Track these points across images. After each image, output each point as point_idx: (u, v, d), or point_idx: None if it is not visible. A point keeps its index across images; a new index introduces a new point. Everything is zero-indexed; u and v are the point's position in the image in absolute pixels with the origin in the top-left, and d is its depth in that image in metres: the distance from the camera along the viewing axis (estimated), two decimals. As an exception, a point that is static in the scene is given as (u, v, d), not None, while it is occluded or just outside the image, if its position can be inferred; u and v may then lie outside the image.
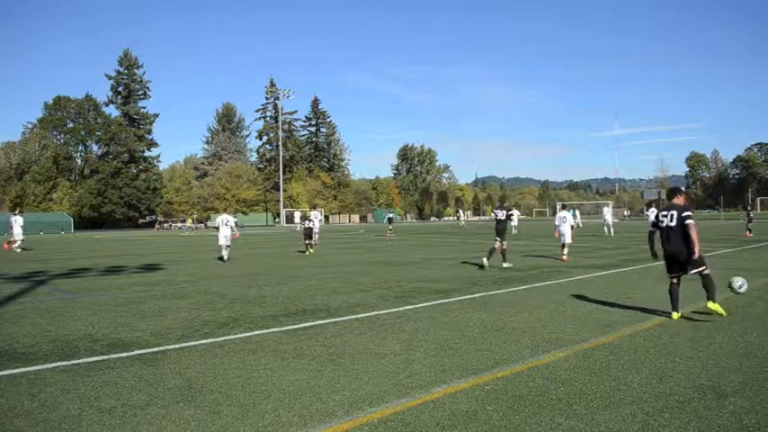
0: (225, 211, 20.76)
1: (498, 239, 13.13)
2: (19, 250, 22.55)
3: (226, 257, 16.22)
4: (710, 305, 6.56)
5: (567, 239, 14.67)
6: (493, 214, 14.71)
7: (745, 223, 27.32)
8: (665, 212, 6.85)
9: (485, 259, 12.84)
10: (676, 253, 6.66)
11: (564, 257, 14.37)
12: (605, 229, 29.62)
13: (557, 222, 15.32)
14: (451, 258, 15.80)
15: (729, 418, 3.48)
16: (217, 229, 16.89)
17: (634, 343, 5.42)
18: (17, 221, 23.35)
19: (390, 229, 34.39)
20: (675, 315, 6.64)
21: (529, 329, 6.08)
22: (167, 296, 9.09)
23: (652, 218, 6.86)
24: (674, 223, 6.66)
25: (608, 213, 31.68)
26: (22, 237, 23.36)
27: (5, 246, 23.52)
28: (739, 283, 7.02)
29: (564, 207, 16.99)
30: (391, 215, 37.88)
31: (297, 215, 42.23)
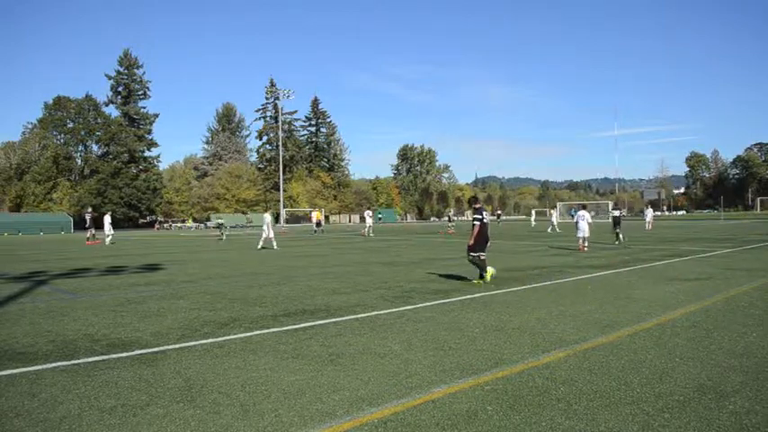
0: (266, 211, 25.71)
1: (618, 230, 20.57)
2: (112, 242, 28.06)
3: (275, 246, 21.87)
4: (487, 277, 9.96)
5: (587, 233, 17.70)
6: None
7: None
8: (485, 212, 10.27)
9: (617, 242, 20.08)
10: (488, 239, 10.21)
11: (582, 248, 17.44)
12: (549, 229, 34.49)
13: (576, 219, 18.30)
14: (452, 258, 15.79)
15: (729, 418, 3.48)
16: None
17: (634, 343, 5.41)
18: (106, 220, 29.07)
19: (451, 225, 40.94)
20: (490, 270, 10.00)
21: (529, 329, 6.08)
22: (167, 296, 9.09)
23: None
24: (488, 221, 10.34)
25: (554, 215, 37.69)
26: (112, 232, 28.85)
27: (96, 241, 29.35)
28: (492, 270, 10.22)
29: (583, 207, 20.18)
30: (450, 213, 45.85)
31: (313, 215, 44.37)
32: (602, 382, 4.22)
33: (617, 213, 21.62)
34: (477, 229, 9.94)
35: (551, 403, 3.78)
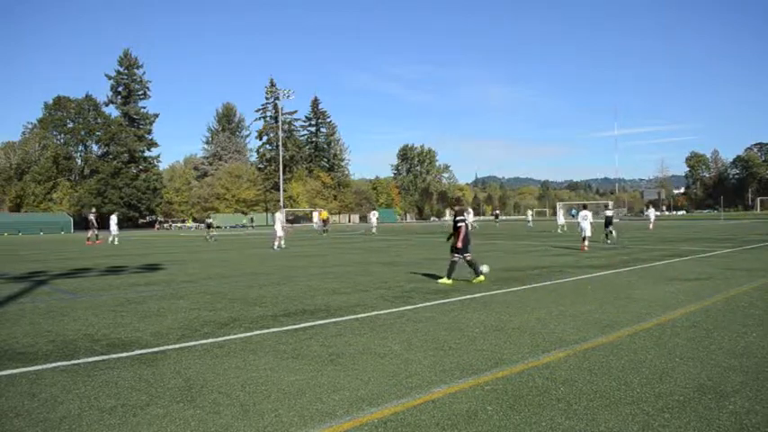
0: (278, 210, 25.11)
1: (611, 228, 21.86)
2: (116, 242, 28.25)
3: (275, 247, 21.27)
4: (476, 280, 10.09)
5: (588, 233, 18.19)
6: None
7: None
8: (466, 215, 10.33)
9: (608, 241, 21.21)
10: (471, 240, 10.43)
11: (584, 247, 17.79)
12: (560, 229, 34.07)
13: (578, 219, 19.10)
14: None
15: (729, 418, 3.48)
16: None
17: (634, 343, 5.41)
18: (112, 220, 29.63)
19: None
20: (485, 269, 10.23)
21: (529, 329, 6.08)
22: (167, 296, 9.09)
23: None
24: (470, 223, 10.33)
25: (560, 215, 37.30)
26: (117, 232, 29.12)
27: (97, 242, 29.01)
28: (485, 269, 10.49)
29: (584, 207, 21.11)
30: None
31: (316, 215, 45.09)
32: (602, 382, 4.22)
33: (609, 213, 23.46)
34: (463, 231, 10.06)
35: (551, 403, 3.78)
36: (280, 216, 22.95)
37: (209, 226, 32.86)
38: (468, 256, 10.16)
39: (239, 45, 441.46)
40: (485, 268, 10.93)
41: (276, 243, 21.77)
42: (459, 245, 10.04)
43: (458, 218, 10.26)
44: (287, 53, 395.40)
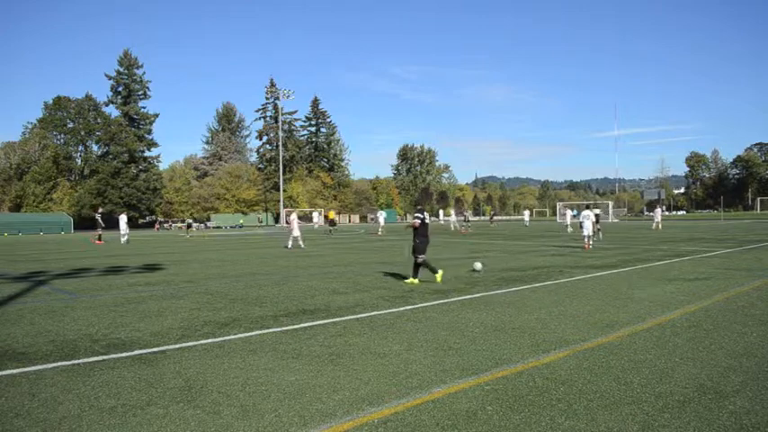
0: (293, 211, 25.08)
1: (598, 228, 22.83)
2: (126, 242, 27.94)
3: (302, 245, 21.46)
4: (409, 281, 10.19)
5: (590, 232, 18.72)
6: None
7: None
8: (426, 214, 10.43)
9: (598, 238, 22.33)
10: (425, 243, 10.21)
11: (588, 245, 18.43)
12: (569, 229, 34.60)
13: (581, 219, 19.54)
14: (451, 258, 15.80)
15: (729, 418, 3.48)
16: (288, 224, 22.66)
17: (634, 343, 5.41)
18: (122, 219, 29.25)
19: (467, 225, 41.65)
20: (416, 279, 10.12)
21: (529, 329, 6.08)
22: (167, 296, 9.09)
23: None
24: (429, 222, 10.47)
25: (567, 216, 37.70)
26: (126, 231, 28.73)
27: (97, 242, 28.85)
28: (479, 266, 11.44)
29: (587, 207, 21.51)
30: (467, 214, 46.19)
31: (316, 216, 45.60)
32: (602, 382, 4.22)
33: (597, 211, 24.99)
34: (417, 229, 10.21)
35: (551, 403, 3.78)
36: (295, 216, 23.06)
37: (189, 226, 35.85)
38: (420, 258, 10.10)
39: (239, 45, 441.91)
40: (478, 265, 11.54)
41: (301, 242, 21.72)
42: (417, 241, 10.13)
43: (416, 215, 10.42)
44: (287, 53, 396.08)
